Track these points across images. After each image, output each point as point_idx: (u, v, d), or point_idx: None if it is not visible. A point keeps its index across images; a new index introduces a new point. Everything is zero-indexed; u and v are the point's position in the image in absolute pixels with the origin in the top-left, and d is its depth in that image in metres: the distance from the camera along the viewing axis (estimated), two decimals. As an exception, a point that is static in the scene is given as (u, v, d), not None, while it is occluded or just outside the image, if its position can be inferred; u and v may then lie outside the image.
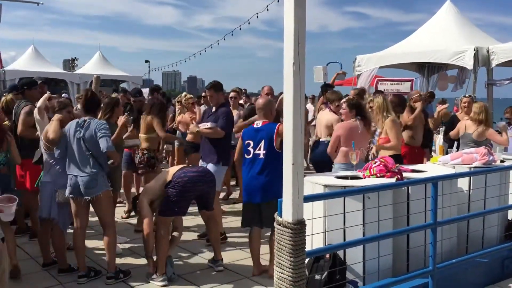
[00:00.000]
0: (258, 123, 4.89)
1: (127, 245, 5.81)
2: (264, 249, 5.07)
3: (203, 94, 9.10)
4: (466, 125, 6.54)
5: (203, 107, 8.07)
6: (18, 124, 5.78)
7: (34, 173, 5.48)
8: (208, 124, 5.81)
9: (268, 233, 5.12)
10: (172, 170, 4.91)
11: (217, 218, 5.96)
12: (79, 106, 10.41)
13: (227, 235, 6.14)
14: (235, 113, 7.69)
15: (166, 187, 4.76)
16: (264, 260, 5.05)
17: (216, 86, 6.08)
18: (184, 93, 8.89)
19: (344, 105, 5.58)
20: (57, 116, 4.89)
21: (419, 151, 7.16)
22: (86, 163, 4.63)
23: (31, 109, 5.78)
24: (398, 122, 5.89)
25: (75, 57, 55.44)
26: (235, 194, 8.36)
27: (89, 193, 4.62)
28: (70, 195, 4.69)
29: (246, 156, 4.84)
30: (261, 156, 4.74)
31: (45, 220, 4.92)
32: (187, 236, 6.07)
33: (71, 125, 4.75)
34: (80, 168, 4.63)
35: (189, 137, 7.27)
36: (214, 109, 6.07)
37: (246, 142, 4.85)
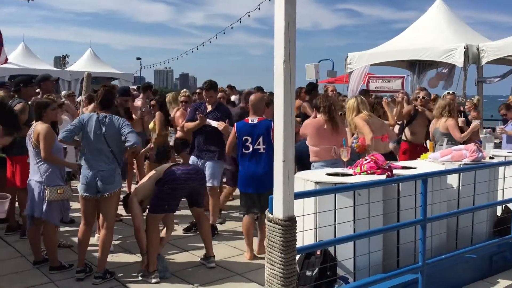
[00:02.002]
0: (254, 120, 5.22)
1: (117, 242, 5.81)
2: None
3: (198, 91, 9.15)
4: (433, 123, 6.99)
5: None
6: None
7: (24, 170, 5.45)
8: (231, 127, 5.88)
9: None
10: (163, 168, 4.93)
11: (215, 211, 6.04)
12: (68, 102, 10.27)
13: (219, 231, 6.17)
14: None
15: (156, 184, 4.77)
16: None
17: (215, 86, 6.22)
18: (184, 89, 9.04)
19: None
20: (44, 130, 4.82)
21: (421, 149, 7.20)
22: (106, 159, 4.62)
23: (24, 107, 5.77)
24: (366, 118, 5.91)
25: (66, 54, 55.08)
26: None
27: (106, 189, 4.61)
28: (84, 194, 4.66)
29: (244, 151, 5.17)
30: (262, 150, 5.14)
31: (36, 218, 4.90)
32: (178, 233, 6.09)
33: (89, 120, 4.67)
34: (99, 163, 4.61)
35: (179, 134, 7.35)
36: (210, 107, 6.12)
37: (244, 138, 5.16)
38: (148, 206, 4.86)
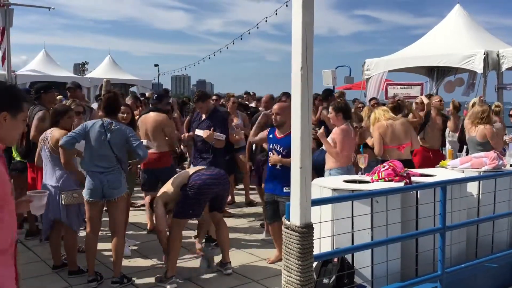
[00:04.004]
0: None
1: (135, 247, 5.85)
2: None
3: (214, 97, 9.26)
4: (467, 131, 6.60)
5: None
6: (31, 129, 5.83)
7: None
8: (221, 135, 5.89)
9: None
10: (188, 172, 4.97)
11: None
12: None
13: (236, 238, 6.16)
14: (234, 118, 7.85)
15: (181, 190, 4.80)
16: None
17: (201, 97, 6.16)
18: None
19: (330, 109, 5.65)
20: (57, 133, 4.87)
21: (435, 154, 7.09)
22: (111, 164, 4.66)
23: (45, 115, 5.81)
24: (385, 127, 5.85)
25: (86, 61, 55.99)
26: (242, 198, 8.37)
27: (112, 194, 4.64)
28: (90, 199, 4.70)
29: None
30: None
31: (57, 222, 4.95)
32: (193, 239, 6.09)
33: (93, 126, 4.70)
34: (104, 169, 4.65)
35: None
36: (204, 116, 6.12)
37: None
38: (173, 211, 4.90)
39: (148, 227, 6.53)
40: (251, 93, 13.75)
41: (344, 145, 5.31)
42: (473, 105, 7.31)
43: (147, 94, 15.09)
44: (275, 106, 5.38)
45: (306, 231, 2.58)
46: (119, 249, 4.74)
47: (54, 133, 4.92)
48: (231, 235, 6.00)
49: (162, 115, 6.46)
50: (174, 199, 4.88)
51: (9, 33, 13.36)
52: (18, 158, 6.18)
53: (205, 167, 5.21)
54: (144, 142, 5.53)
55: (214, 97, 9.68)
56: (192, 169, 5.12)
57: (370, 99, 9.77)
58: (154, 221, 6.48)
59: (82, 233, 5.85)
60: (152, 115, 6.43)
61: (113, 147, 4.65)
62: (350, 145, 5.35)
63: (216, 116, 6.15)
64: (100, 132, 4.66)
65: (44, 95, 6.25)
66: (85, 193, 4.74)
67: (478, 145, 6.31)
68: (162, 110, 6.73)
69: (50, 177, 4.93)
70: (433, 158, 6.88)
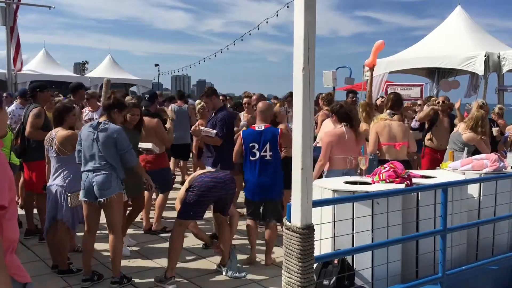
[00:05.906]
0: (260, 126, 5.24)
1: (135, 248, 5.84)
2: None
3: (221, 98, 9.26)
4: (460, 126, 6.76)
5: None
6: (26, 126, 5.85)
7: (41, 175, 5.51)
8: (211, 131, 5.85)
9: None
10: (195, 174, 5.01)
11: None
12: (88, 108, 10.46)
13: (236, 239, 6.13)
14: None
15: (186, 191, 4.82)
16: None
17: (207, 92, 6.15)
18: (198, 101, 9.02)
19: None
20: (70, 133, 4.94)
21: (443, 155, 7.08)
22: (100, 164, 4.65)
23: (40, 111, 5.86)
24: (382, 126, 5.89)
25: (86, 61, 55.93)
26: (241, 198, 8.33)
27: (102, 195, 4.61)
28: (84, 199, 4.69)
29: (251, 158, 5.19)
30: (268, 157, 5.17)
31: (54, 222, 4.94)
32: (195, 240, 6.08)
33: (84, 129, 4.79)
34: (93, 169, 4.64)
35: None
36: (213, 114, 6.12)
37: (250, 145, 5.18)
38: (177, 212, 4.92)
39: (144, 226, 6.53)
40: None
41: (339, 149, 5.28)
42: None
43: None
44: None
45: (307, 232, 2.57)
46: (116, 249, 4.71)
47: (60, 133, 4.90)
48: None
49: (153, 120, 6.34)
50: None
51: (17, 32, 13.43)
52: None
53: (213, 169, 5.22)
54: (150, 145, 5.53)
55: (221, 97, 9.69)
56: (199, 171, 5.17)
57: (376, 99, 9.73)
58: (152, 221, 6.53)
59: (81, 234, 5.84)
60: (145, 119, 6.22)
61: (100, 146, 4.64)
62: (343, 148, 5.27)
63: (219, 114, 6.11)
64: (89, 132, 4.70)
65: (40, 93, 6.26)
66: (80, 193, 4.74)
67: (460, 142, 6.44)
68: (152, 114, 6.58)
69: (55, 177, 4.93)
70: (441, 159, 6.90)
